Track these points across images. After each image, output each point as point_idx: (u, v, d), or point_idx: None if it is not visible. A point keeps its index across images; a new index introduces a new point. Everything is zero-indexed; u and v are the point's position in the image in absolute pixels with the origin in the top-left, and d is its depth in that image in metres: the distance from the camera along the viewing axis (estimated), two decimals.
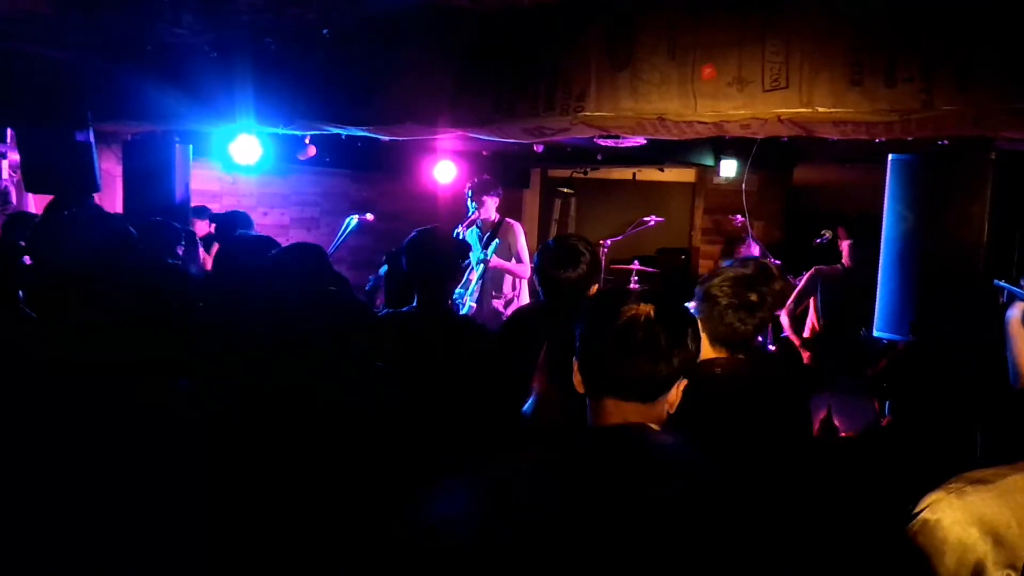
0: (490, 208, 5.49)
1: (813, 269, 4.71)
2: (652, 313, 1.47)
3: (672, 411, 1.53)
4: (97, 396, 1.61)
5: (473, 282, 5.43)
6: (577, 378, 1.54)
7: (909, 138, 3.41)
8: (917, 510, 1.20)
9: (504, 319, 4.88)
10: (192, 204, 5.75)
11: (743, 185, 5.61)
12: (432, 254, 2.79)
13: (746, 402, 1.98)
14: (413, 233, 2.85)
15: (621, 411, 1.47)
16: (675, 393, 1.51)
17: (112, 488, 1.49)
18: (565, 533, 1.35)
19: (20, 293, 2.43)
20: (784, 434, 2.05)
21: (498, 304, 5.51)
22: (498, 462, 1.51)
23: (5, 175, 5.26)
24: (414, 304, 2.76)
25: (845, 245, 4.64)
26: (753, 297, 2.08)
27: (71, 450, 1.52)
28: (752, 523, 1.44)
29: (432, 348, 2.57)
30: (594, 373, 1.50)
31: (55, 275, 1.96)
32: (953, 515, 1.17)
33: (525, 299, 5.48)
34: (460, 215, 5.77)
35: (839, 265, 4.67)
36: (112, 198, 6.17)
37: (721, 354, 2.07)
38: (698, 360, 1.60)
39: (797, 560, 1.64)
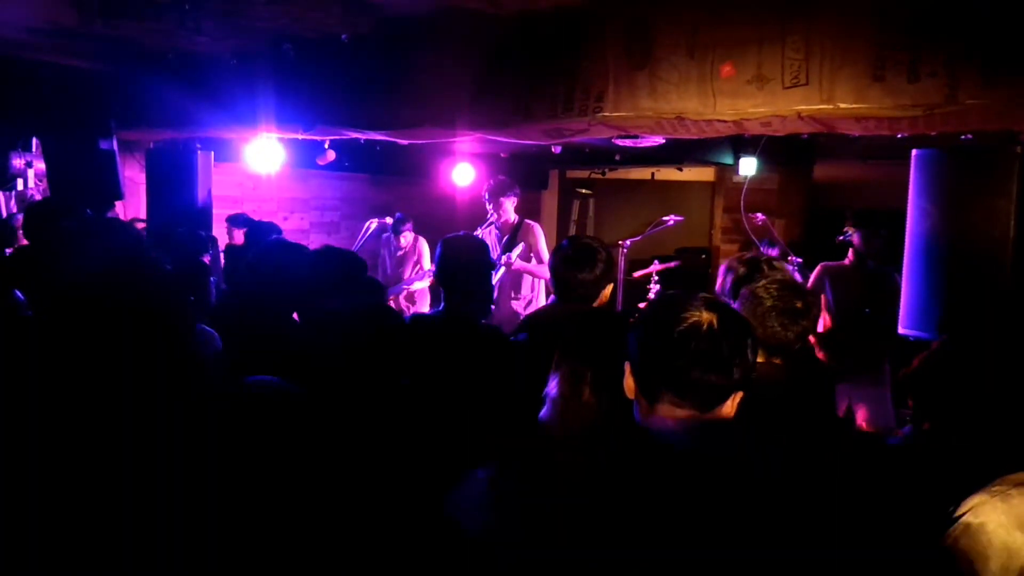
0: (508, 209, 5.46)
1: (819, 267, 4.64)
2: (715, 322, 1.41)
3: None
4: (103, 397, 1.62)
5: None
6: (629, 383, 1.50)
7: (933, 133, 3.36)
8: (959, 513, 1.18)
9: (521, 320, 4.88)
10: (215, 209, 5.81)
11: (746, 183, 5.55)
12: (466, 261, 2.76)
13: (782, 407, 1.94)
14: (441, 243, 2.81)
15: (675, 417, 1.43)
16: (731, 405, 1.45)
17: (117, 491, 1.50)
18: (572, 537, 1.34)
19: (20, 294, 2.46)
20: (819, 438, 2.02)
21: (517, 305, 5.50)
22: (504, 467, 1.51)
23: (31, 184, 5.34)
24: (441, 308, 2.76)
25: (857, 236, 4.53)
26: (799, 304, 2.07)
27: (76, 451, 1.53)
28: (773, 532, 1.41)
29: (456, 354, 2.55)
30: (651, 378, 1.44)
31: (61, 281, 1.97)
32: (997, 519, 1.15)
33: (542, 299, 5.46)
34: (479, 217, 5.76)
35: (845, 261, 4.59)
36: (136, 205, 6.26)
37: (759, 358, 2.04)
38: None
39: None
